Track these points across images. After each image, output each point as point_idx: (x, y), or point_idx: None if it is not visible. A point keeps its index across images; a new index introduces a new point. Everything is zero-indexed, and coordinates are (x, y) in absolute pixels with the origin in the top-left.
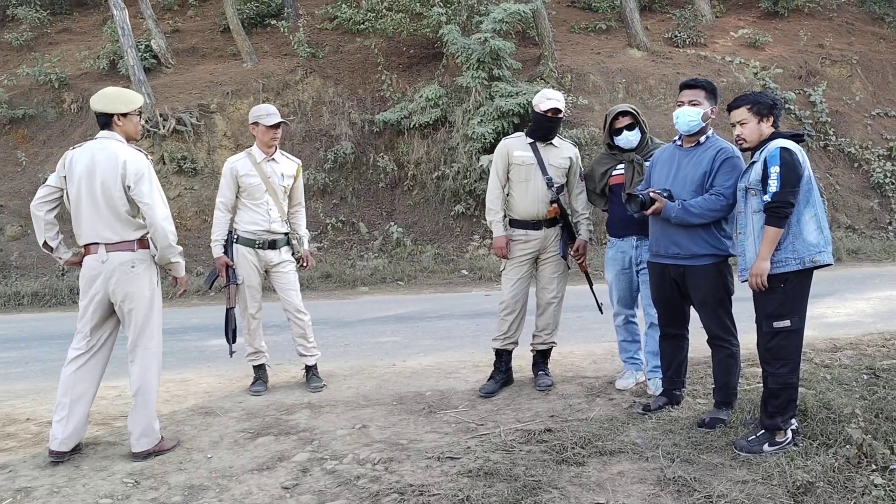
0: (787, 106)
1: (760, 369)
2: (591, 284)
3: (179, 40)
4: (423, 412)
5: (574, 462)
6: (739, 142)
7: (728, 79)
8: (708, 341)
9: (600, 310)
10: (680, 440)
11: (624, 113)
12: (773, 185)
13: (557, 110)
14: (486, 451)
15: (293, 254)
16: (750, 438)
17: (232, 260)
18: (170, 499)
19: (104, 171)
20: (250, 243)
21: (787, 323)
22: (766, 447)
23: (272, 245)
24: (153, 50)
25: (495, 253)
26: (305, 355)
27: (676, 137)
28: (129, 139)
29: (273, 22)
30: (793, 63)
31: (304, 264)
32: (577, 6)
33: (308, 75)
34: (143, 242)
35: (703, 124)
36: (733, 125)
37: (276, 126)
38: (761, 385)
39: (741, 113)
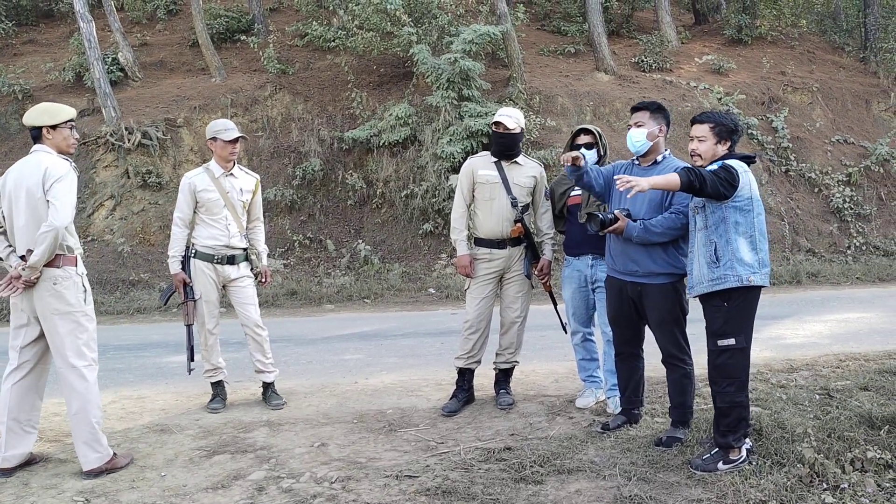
0: (749, 131)
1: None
2: (555, 304)
3: (147, 54)
4: (383, 430)
5: (532, 480)
6: (694, 157)
7: (693, 103)
8: (663, 361)
9: (564, 329)
10: (637, 458)
11: (586, 131)
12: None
13: (503, 125)
14: (444, 470)
15: (252, 269)
16: (705, 457)
17: (189, 276)
18: None
19: (28, 180)
20: (209, 258)
21: (731, 341)
22: (720, 465)
23: (231, 260)
24: (120, 63)
25: (459, 272)
26: (263, 371)
27: (634, 157)
28: (61, 152)
29: (243, 38)
30: (756, 89)
31: (264, 280)
32: (547, 29)
33: (277, 91)
34: (69, 259)
35: (650, 143)
36: (692, 138)
37: (235, 141)
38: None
39: (702, 129)
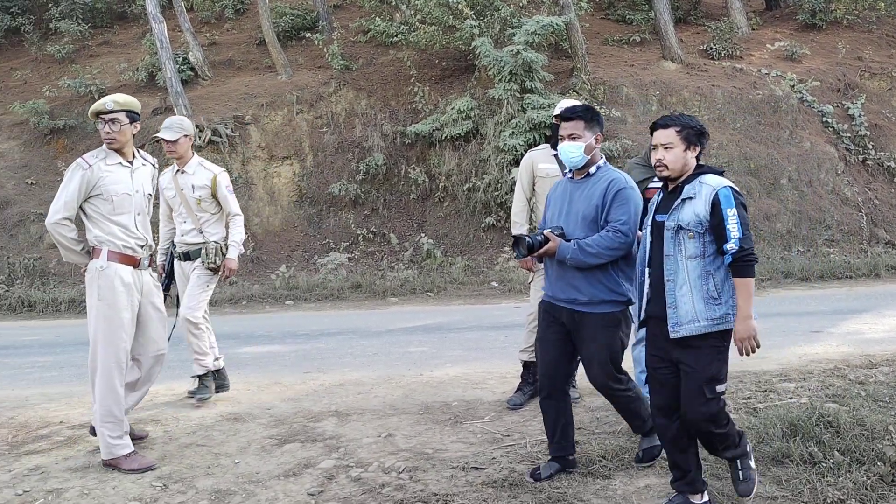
0: (824, 119)
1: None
2: None
3: (216, 53)
4: (449, 422)
5: (600, 475)
6: (660, 168)
7: (764, 91)
8: (601, 392)
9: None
10: (706, 455)
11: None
12: (735, 231)
13: (559, 116)
14: (511, 462)
15: (205, 263)
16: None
17: (171, 269)
18: (197, 502)
19: None
20: (177, 254)
21: (725, 385)
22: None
23: (187, 256)
24: (191, 62)
25: (521, 265)
26: (194, 364)
27: (567, 170)
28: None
29: (308, 35)
30: (831, 76)
31: (225, 274)
32: (611, 18)
33: (341, 87)
34: (95, 252)
35: (588, 157)
36: (654, 147)
37: (172, 141)
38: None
39: (668, 135)
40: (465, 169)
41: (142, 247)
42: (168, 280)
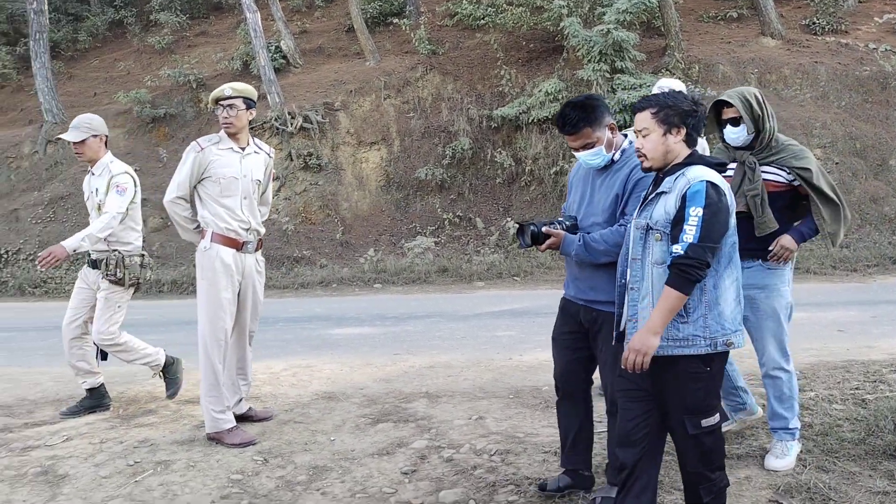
0: None
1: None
2: None
3: (307, 41)
4: (539, 406)
5: None
6: (640, 158)
7: (872, 67)
8: (608, 411)
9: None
10: (813, 446)
11: (728, 104)
12: (690, 234)
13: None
14: (604, 449)
15: (105, 275)
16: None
17: None
18: (296, 477)
19: None
20: (87, 260)
21: (715, 419)
22: None
23: (94, 264)
24: (282, 50)
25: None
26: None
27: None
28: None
29: (395, 20)
30: None
31: (43, 257)
32: None
33: (428, 72)
34: (203, 232)
35: (611, 152)
36: (636, 132)
37: (80, 142)
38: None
39: (643, 119)
40: (552, 152)
41: (246, 230)
42: None
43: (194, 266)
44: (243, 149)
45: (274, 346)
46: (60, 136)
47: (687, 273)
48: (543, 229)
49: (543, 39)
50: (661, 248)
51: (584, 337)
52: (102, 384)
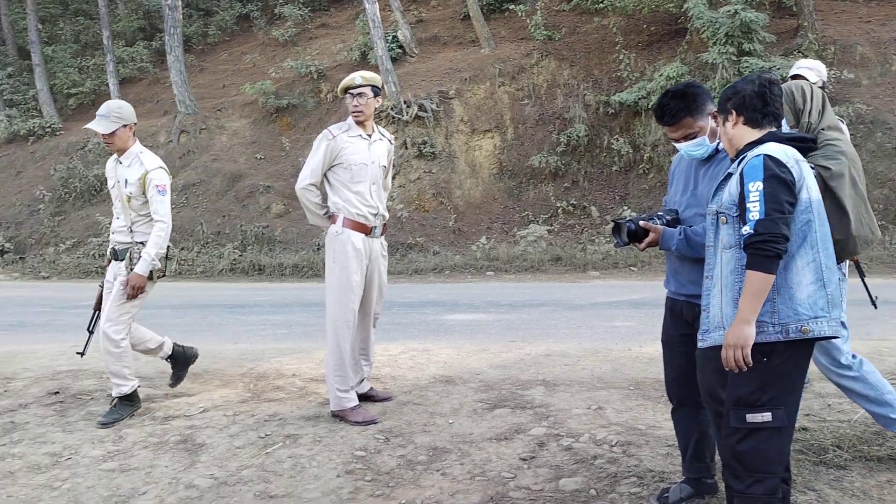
0: None
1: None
2: (862, 277)
3: (423, 30)
4: (661, 399)
5: (834, 465)
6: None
7: None
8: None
9: (874, 304)
10: None
11: None
12: (755, 210)
13: (797, 76)
14: None
15: (127, 269)
16: None
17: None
18: (416, 457)
19: None
20: (110, 251)
21: (766, 416)
22: None
23: (115, 256)
24: (399, 40)
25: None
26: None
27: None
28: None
29: (511, 7)
30: None
31: (126, 291)
32: None
33: (543, 58)
34: (333, 217)
35: (715, 142)
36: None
37: (110, 134)
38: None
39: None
40: None
41: (374, 215)
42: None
43: (314, 251)
44: (370, 136)
45: (391, 329)
46: (88, 126)
47: (762, 250)
48: (641, 224)
49: (665, 22)
50: (727, 231)
51: (695, 336)
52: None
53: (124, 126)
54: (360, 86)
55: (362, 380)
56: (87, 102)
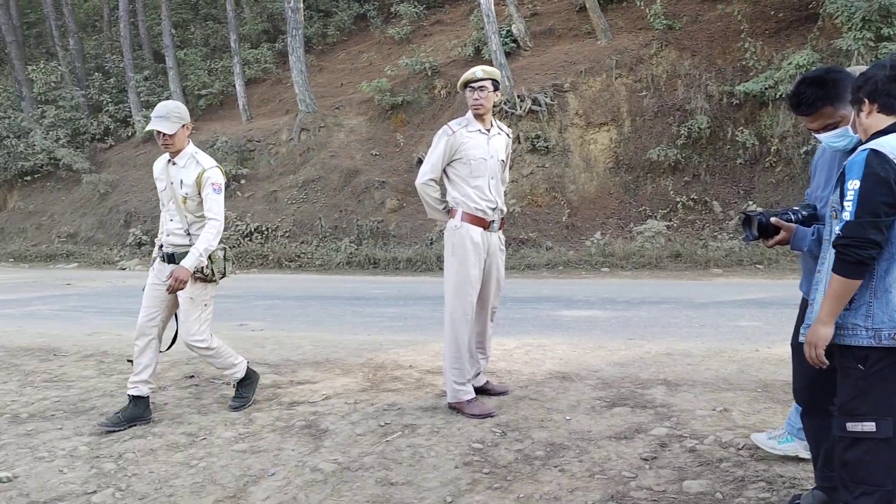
0: None
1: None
2: None
3: (537, 23)
4: (791, 402)
5: None
6: None
7: None
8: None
9: None
10: None
11: None
12: (847, 210)
13: None
14: None
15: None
16: None
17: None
18: (533, 452)
19: None
20: (161, 254)
21: (868, 426)
22: None
23: (171, 258)
24: (513, 34)
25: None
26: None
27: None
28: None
29: None
30: None
31: (170, 283)
32: None
33: (663, 48)
34: (452, 211)
35: (855, 133)
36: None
37: (161, 133)
38: None
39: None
40: (803, 130)
41: (493, 209)
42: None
43: (427, 245)
44: (489, 130)
45: (505, 324)
46: (153, 127)
47: (845, 254)
48: (772, 220)
49: (794, 8)
50: (836, 226)
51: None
52: (149, 396)
53: (183, 126)
54: (481, 79)
55: (478, 373)
56: (215, 103)
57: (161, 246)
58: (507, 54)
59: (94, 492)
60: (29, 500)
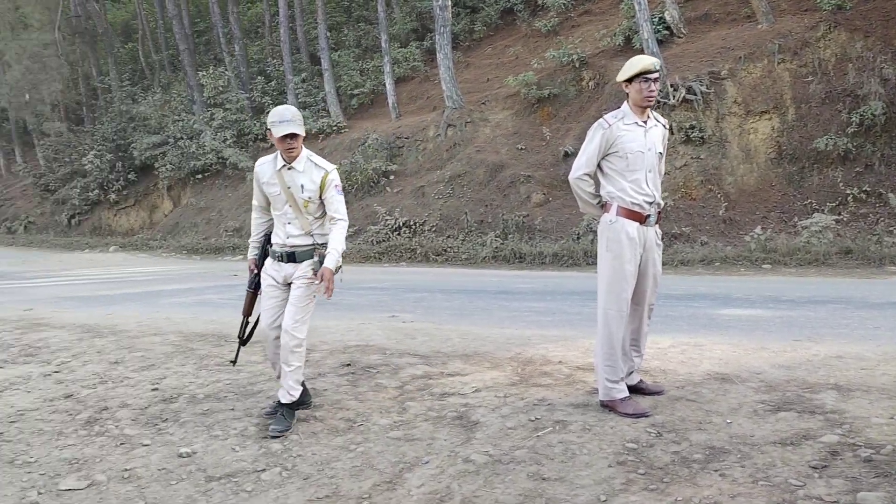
0: None
1: None
2: None
3: (692, 8)
4: None
5: None
6: None
7: None
8: None
9: None
10: None
11: None
12: None
13: None
14: None
15: (315, 269)
16: None
17: (261, 266)
18: (691, 455)
19: None
20: (273, 254)
21: None
22: None
23: (290, 257)
24: (666, 21)
25: None
26: (281, 386)
27: None
28: (636, 105)
29: None
30: None
31: (318, 281)
32: None
33: (831, 30)
34: (607, 206)
35: None
36: None
37: (288, 137)
38: None
39: None
40: None
41: (649, 203)
42: (258, 278)
43: (574, 240)
44: (645, 122)
45: (658, 321)
46: (288, 131)
47: None
48: None
49: None
50: None
51: None
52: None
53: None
54: (657, 71)
55: (631, 371)
56: (366, 102)
57: (259, 243)
58: (660, 42)
59: (264, 470)
60: (206, 474)
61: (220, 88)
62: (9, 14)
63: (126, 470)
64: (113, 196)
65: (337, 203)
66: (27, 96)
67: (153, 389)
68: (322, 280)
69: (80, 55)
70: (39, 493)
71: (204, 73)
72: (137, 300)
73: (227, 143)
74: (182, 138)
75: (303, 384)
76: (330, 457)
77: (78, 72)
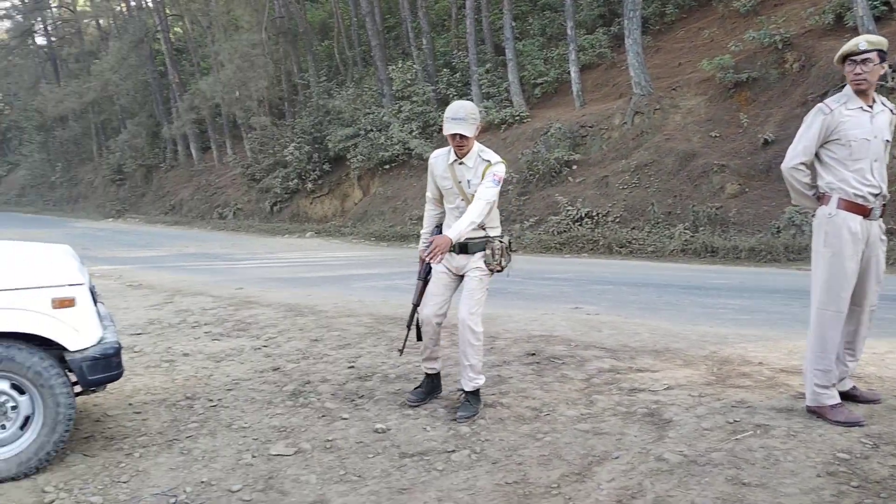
0: None
1: None
2: None
3: None
4: None
5: None
6: None
7: None
8: None
9: None
10: None
11: None
12: None
13: None
14: None
15: (490, 264)
16: None
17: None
18: None
19: None
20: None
21: None
22: None
23: (463, 248)
24: None
25: None
26: (461, 376)
27: None
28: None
29: None
30: None
31: (431, 250)
32: None
33: None
34: (825, 198)
35: None
36: None
37: (456, 135)
38: None
39: None
40: None
41: (875, 195)
42: (429, 268)
43: (773, 234)
44: (871, 107)
45: (876, 324)
46: (452, 131)
47: None
48: None
49: None
50: None
51: None
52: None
53: (476, 127)
54: (866, 51)
55: (844, 377)
56: (550, 90)
57: (431, 234)
58: (877, 19)
59: (454, 451)
60: (400, 451)
61: (408, 81)
62: (222, 17)
63: (328, 441)
64: (310, 185)
65: (485, 189)
66: (237, 93)
67: (349, 367)
68: (435, 247)
69: (283, 53)
70: (253, 457)
71: (393, 67)
72: (332, 283)
73: (413, 134)
74: (372, 130)
75: (438, 373)
76: (517, 444)
77: (281, 69)
